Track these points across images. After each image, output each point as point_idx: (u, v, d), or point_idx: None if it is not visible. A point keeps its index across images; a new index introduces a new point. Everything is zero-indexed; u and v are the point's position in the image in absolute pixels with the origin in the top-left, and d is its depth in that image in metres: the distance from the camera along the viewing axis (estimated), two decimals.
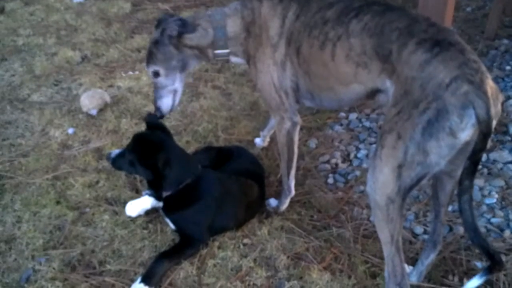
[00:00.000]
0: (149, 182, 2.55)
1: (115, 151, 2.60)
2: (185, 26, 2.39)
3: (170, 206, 2.49)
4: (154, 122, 2.58)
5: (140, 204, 2.60)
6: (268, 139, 3.22)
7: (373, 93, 2.08)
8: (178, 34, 2.39)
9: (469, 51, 1.74)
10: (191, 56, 2.50)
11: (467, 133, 1.64)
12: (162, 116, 2.59)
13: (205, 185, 2.49)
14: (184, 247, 2.39)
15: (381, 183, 1.81)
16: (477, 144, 1.63)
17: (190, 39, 2.43)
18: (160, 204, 2.55)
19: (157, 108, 2.57)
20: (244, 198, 2.55)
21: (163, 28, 2.40)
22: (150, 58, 2.46)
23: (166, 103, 2.56)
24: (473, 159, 1.66)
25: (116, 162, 2.57)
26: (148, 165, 2.43)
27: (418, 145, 1.69)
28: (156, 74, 2.48)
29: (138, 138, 2.52)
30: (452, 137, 1.65)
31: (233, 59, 2.53)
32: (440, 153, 1.68)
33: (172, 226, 2.50)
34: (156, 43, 2.42)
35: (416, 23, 1.88)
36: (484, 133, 1.61)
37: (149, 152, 2.42)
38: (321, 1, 2.21)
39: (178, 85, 2.55)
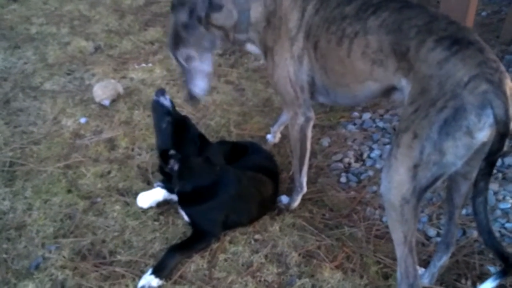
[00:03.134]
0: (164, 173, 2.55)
1: (166, 100, 2.53)
2: (212, 6, 2.34)
3: (186, 200, 2.48)
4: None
5: (152, 196, 2.60)
6: (279, 135, 3.20)
7: (388, 90, 2.06)
8: (206, 14, 2.34)
9: (488, 51, 1.71)
10: (218, 36, 2.45)
11: (484, 133, 1.61)
12: (198, 102, 2.51)
13: (223, 182, 2.47)
14: (196, 240, 2.38)
15: (396, 183, 1.79)
16: (493, 145, 1.61)
17: (216, 19, 2.38)
18: (172, 196, 2.54)
19: (192, 96, 2.50)
20: (259, 195, 2.54)
21: (191, 9, 2.34)
22: (180, 42, 2.39)
23: (201, 87, 2.52)
24: (489, 160, 1.63)
25: (157, 108, 2.52)
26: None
27: (435, 144, 1.66)
28: (189, 58, 2.43)
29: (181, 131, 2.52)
30: (469, 137, 1.62)
31: (249, 46, 2.52)
32: (457, 153, 1.66)
33: (186, 218, 2.49)
34: (186, 26, 2.36)
35: (435, 20, 1.85)
36: (501, 133, 1.59)
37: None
38: None
39: (210, 66, 2.49)
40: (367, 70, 2.06)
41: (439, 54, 1.73)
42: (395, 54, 1.92)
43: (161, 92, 2.54)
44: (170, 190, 2.55)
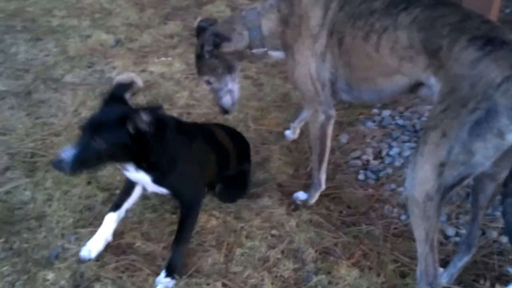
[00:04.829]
0: (134, 158, 2.19)
1: (67, 153, 2.01)
2: (220, 38, 2.50)
3: (158, 173, 2.27)
4: (119, 94, 2.22)
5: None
6: (298, 131, 3.19)
7: (416, 86, 2.05)
8: (215, 46, 2.51)
9: None
10: (233, 60, 2.61)
11: None
12: (227, 112, 2.81)
13: (179, 136, 2.34)
14: (186, 218, 2.30)
15: (421, 179, 1.78)
16: None
17: (228, 47, 2.53)
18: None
19: (221, 107, 2.77)
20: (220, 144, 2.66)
21: (201, 44, 2.54)
22: (199, 69, 2.67)
23: (226, 101, 2.74)
24: None
25: (78, 161, 2.02)
26: (136, 137, 2.07)
27: (464, 145, 1.65)
28: (208, 82, 2.66)
29: (112, 116, 2.10)
30: (499, 139, 1.61)
31: (273, 53, 2.57)
32: (486, 154, 1.65)
33: (164, 191, 2.35)
34: (199, 57, 2.61)
35: (468, 19, 1.84)
36: None
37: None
38: None
39: (231, 85, 2.71)
40: (395, 65, 2.05)
41: (471, 54, 1.71)
42: (426, 51, 1.91)
43: (57, 163, 2.04)
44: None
